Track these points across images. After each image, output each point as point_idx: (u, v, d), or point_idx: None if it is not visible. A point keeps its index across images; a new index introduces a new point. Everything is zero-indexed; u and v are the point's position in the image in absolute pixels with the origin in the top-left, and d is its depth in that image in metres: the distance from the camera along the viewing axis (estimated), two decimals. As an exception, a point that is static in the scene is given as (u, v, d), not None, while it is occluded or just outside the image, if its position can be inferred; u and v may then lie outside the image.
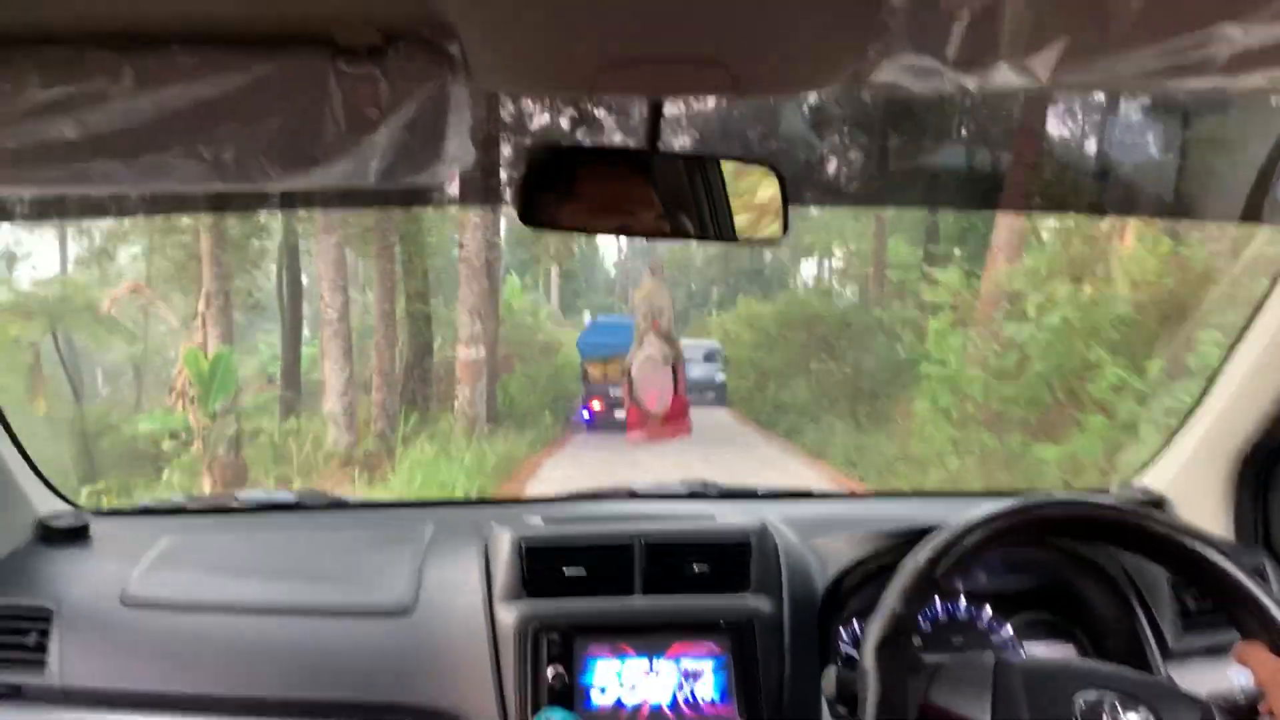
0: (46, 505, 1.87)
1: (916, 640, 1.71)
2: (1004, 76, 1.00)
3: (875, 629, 1.19)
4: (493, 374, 14.69)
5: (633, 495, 2.10)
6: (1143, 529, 1.27)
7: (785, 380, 17.56)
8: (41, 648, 1.58)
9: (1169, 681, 1.44)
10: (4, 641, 1.59)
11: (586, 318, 24.92)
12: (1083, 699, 1.17)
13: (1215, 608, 1.30)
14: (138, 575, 1.68)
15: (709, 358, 19.57)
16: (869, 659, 1.17)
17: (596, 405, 16.19)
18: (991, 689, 1.17)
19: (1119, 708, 1.16)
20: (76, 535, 1.82)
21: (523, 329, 19.55)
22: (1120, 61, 0.99)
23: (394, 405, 13.28)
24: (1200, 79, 1.05)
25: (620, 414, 14.72)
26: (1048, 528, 1.32)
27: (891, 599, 1.21)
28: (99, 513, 1.92)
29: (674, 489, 2.13)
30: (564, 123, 10.02)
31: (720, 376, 19.50)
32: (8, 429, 1.78)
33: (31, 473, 1.86)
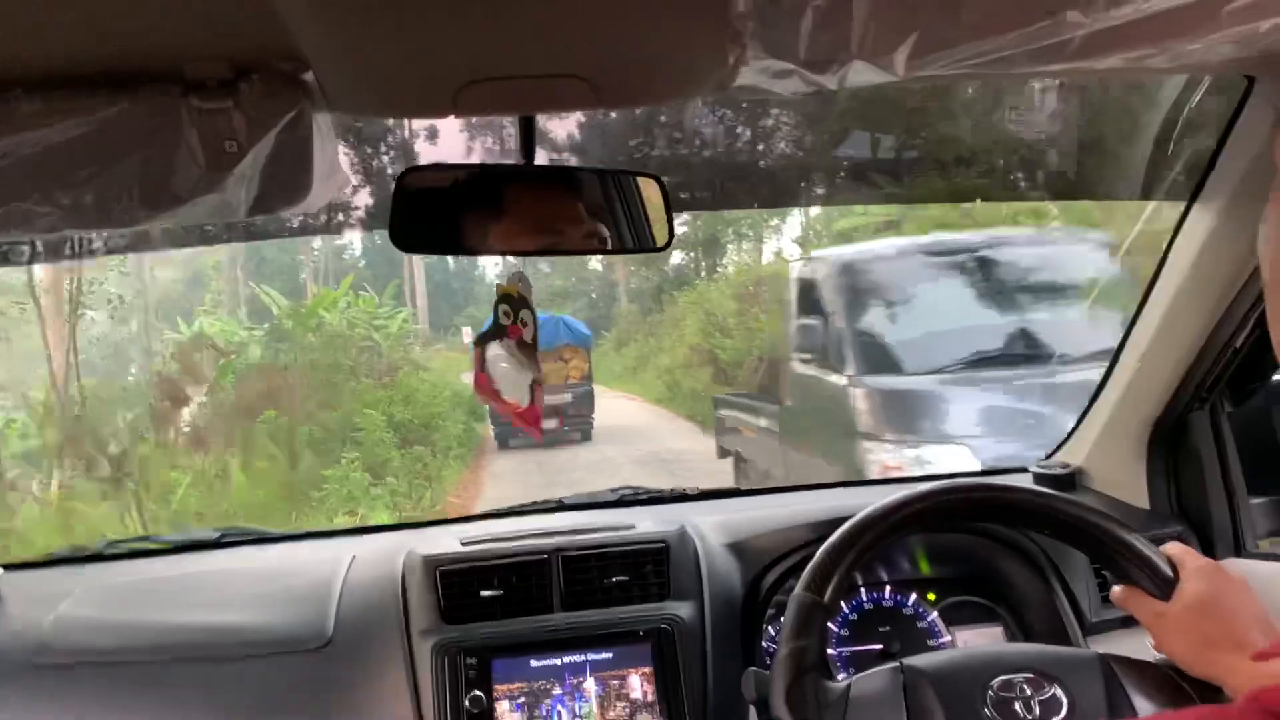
0: None
1: (833, 648, 1.72)
2: (860, 74, 1.01)
3: (778, 675, 1.18)
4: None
5: (561, 506, 2.09)
6: (1015, 504, 1.29)
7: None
8: None
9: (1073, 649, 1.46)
10: None
11: (466, 336, 22.23)
12: (994, 686, 1.18)
13: (1103, 567, 1.32)
14: (47, 632, 1.63)
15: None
16: (779, 710, 1.17)
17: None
18: (904, 703, 1.16)
19: (1027, 688, 1.17)
20: None
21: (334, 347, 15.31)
22: (974, 51, 1.00)
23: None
24: (1056, 64, 1.07)
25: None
26: (962, 512, 1.33)
27: (786, 636, 1.19)
28: (9, 566, 1.87)
29: (602, 497, 2.11)
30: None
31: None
32: None
33: None
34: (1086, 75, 1.22)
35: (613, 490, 2.15)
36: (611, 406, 17.67)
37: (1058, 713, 1.15)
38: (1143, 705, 1.14)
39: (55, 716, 1.55)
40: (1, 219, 1.10)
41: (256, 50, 0.99)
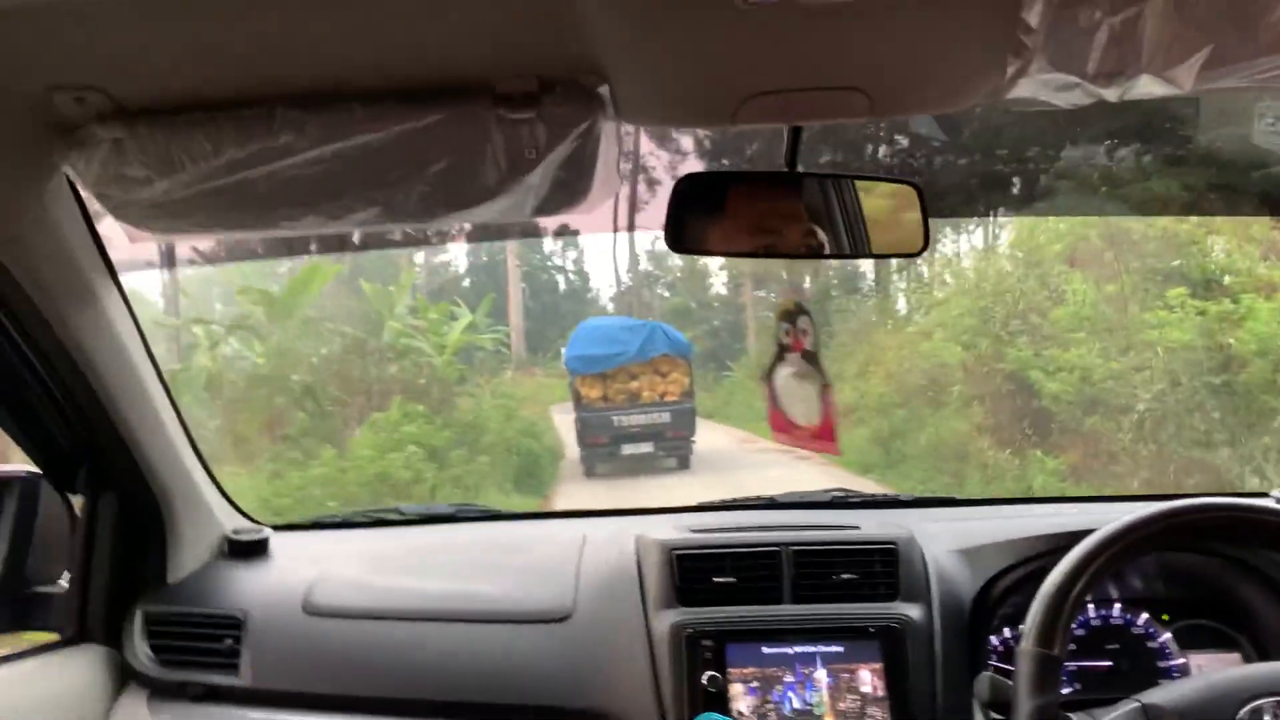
0: (231, 521, 2.02)
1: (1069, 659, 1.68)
2: (1145, 87, 1.01)
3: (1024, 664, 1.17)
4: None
5: (773, 504, 2.13)
6: (1253, 522, 1.23)
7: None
8: (234, 653, 1.72)
9: None
10: (202, 647, 1.74)
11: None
12: (1243, 715, 1.14)
13: None
14: (315, 585, 1.81)
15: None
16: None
17: (597, 440, 12.58)
18: None
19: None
20: (259, 549, 1.96)
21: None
22: (1268, 65, 0.99)
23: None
24: None
25: (629, 449, 12.16)
26: (1199, 532, 1.29)
27: (1026, 693, 1.16)
28: (277, 527, 2.07)
29: (816, 497, 2.14)
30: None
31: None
32: (196, 450, 1.93)
33: (217, 491, 2.01)
34: None
35: (824, 491, 2.18)
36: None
37: None
38: None
39: (320, 658, 1.72)
40: (323, 213, 1.25)
41: (561, 64, 1.09)
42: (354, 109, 1.13)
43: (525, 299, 27.07)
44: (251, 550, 1.94)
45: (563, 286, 32.51)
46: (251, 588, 1.83)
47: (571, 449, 13.44)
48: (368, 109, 1.13)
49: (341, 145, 1.15)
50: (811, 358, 1.32)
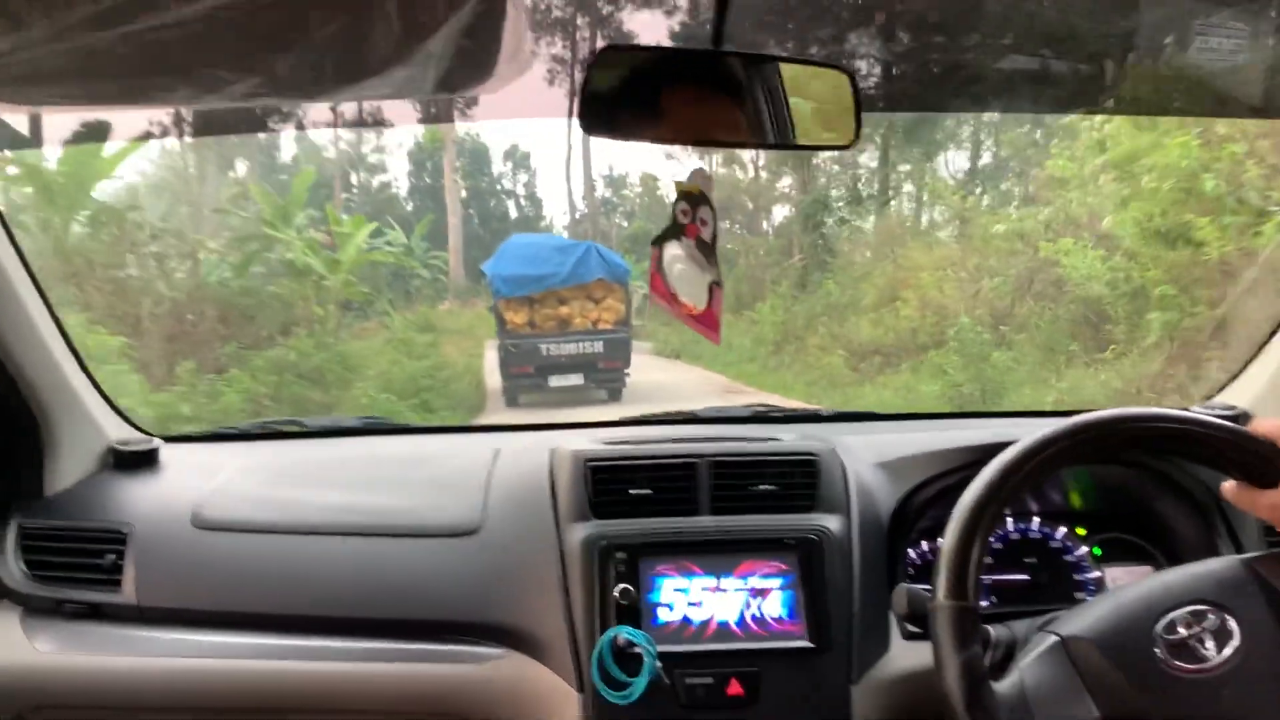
0: (117, 431, 1.90)
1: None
2: None
3: (954, 690, 1.10)
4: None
5: (695, 419, 2.08)
6: (1208, 435, 1.17)
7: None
8: (117, 568, 1.62)
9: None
10: (82, 563, 1.64)
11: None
12: (1159, 631, 1.11)
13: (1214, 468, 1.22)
14: (207, 498, 1.71)
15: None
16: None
17: (521, 369, 11.69)
18: (1083, 683, 1.10)
19: (1194, 623, 1.10)
20: (147, 460, 1.85)
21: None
22: None
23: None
24: None
25: (557, 380, 11.41)
26: (1123, 443, 1.25)
27: (949, 649, 1.11)
28: (168, 438, 1.95)
29: (736, 412, 2.11)
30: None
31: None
32: (77, 357, 1.80)
33: (101, 400, 1.89)
34: None
35: (745, 406, 2.14)
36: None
37: (1230, 640, 1.09)
38: None
39: (211, 573, 1.63)
40: (197, 84, 1.12)
41: None
42: None
43: (473, 226, 26.09)
44: (138, 461, 1.83)
45: (514, 213, 31.50)
46: (137, 500, 1.73)
47: (494, 379, 12.60)
48: None
49: (214, 3, 1.02)
50: (705, 248, 1.24)
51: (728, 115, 1.20)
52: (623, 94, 1.17)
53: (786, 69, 1.22)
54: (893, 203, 16.40)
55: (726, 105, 1.20)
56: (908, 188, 16.40)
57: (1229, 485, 1.18)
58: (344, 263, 12.53)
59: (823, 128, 1.25)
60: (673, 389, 12.49)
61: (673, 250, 1.28)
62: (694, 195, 1.24)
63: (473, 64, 1.09)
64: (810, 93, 1.22)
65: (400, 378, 11.39)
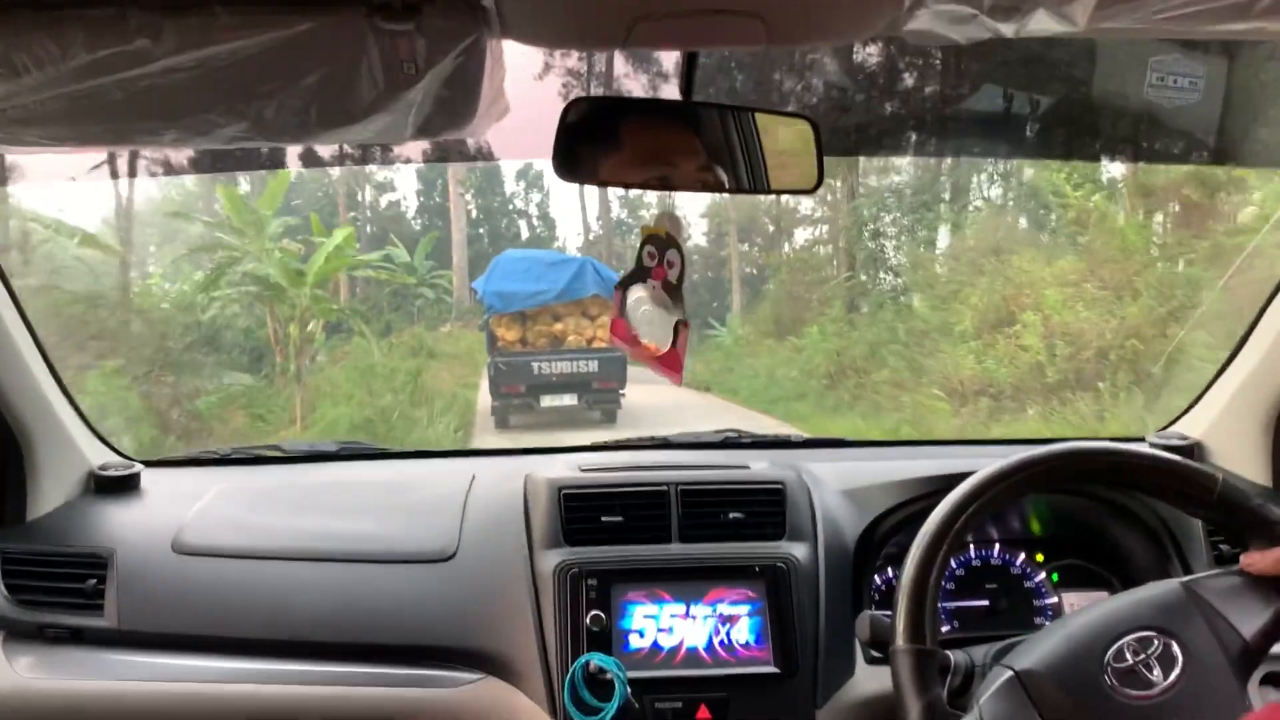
0: (98, 456, 1.92)
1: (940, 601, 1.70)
2: (1041, 23, 1.00)
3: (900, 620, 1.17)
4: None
5: (666, 444, 2.12)
6: (1159, 469, 1.24)
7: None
8: (99, 593, 1.64)
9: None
10: (64, 587, 1.66)
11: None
12: (1109, 660, 1.15)
13: (1232, 537, 1.28)
14: (188, 523, 1.74)
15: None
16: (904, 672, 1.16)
17: (512, 388, 11.33)
18: (1035, 709, 1.13)
19: (1140, 649, 1.15)
20: (128, 484, 1.87)
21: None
22: (1157, 7, 0.98)
23: None
24: (1238, 24, 1.04)
25: (549, 400, 11.11)
26: (1077, 475, 1.30)
27: (911, 693, 1.15)
28: (149, 463, 1.98)
29: (707, 437, 2.15)
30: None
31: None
32: (59, 383, 1.83)
33: (83, 424, 1.91)
34: (1273, 35, 1.18)
35: (716, 432, 2.19)
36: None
37: (1175, 664, 1.13)
38: (1245, 621, 1.14)
39: (191, 598, 1.66)
40: (186, 128, 1.16)
41: None
42: (217, 13, 1.04)
43: (484, 245, 25.25)
44: (120, 486, 1.86)
45: (526, 233, 30.61)
46: (119, 525, 1.75)
47: (484, 398, 12.16)
48: (232, 14, 1.04)
49: (204, 53, 1.06)
50: (672, 289, 1.28)
51: (699, 163, 1.25)
52: (596, 142, 1.22)
53: (752, 118, 1.27)
54: (978, 204, 13.68)
55: (698, 153, 1.25)
56: (994, 190, 13.23)
57: (1248, 557, 1.20)
58: (309, 275, 11.55)
59: (789, 173, 1.30)
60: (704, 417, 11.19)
61: (637, 293, 1.32)
62: (661, 238, 1.29)
63: (451, 111, 1.14)
64: (776, 140, 1.28)
65: (358, 420, 10.45)
